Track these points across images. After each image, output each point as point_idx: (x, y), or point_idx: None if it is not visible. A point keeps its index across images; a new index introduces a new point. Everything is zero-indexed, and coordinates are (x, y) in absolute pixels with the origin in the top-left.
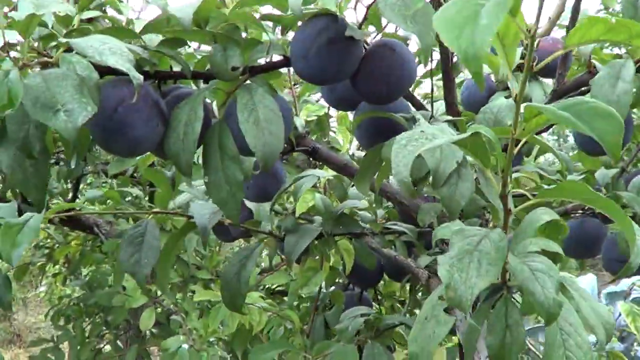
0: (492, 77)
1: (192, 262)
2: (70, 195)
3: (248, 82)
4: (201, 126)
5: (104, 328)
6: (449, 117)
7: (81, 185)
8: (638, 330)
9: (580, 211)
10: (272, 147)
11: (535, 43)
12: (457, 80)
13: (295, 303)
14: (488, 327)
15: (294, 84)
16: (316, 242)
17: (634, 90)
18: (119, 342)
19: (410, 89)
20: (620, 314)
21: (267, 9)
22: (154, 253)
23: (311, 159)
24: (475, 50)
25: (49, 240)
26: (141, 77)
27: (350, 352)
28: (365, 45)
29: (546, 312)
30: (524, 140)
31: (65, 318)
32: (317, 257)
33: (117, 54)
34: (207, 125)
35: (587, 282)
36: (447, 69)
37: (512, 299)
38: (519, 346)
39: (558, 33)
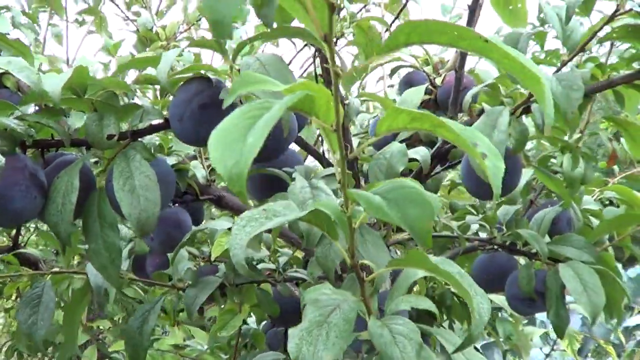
0: None
1: (134, 297)
2: (14, 231)
3: (127, 148)
4: (86, 193)
5: None
6: (330, 171)
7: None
8: (574, 353)
9: (490, 246)
10: (147, 213)
11: (441, 79)
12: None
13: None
14: None
15: None
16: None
17: (516, 135)
18: None
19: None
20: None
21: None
22: (49, 314)
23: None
24: (239, 170)
25: None
26: (2, 159)
27: None
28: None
29: None
30: (360, 218)
31: (18, 354)
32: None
33: None
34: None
35: None
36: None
37: None
38: None
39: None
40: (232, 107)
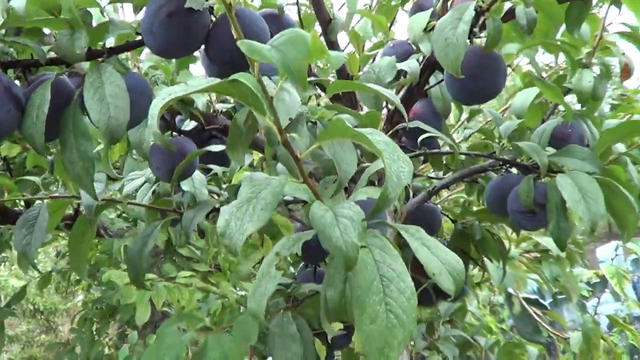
0: (409, 41)
1: (190, 256)
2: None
3: (103, 63)
4: (65, 108)
5: (126, 326)
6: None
7: None
8: (623, 291)
9: (490, 160)
10: (118, 121)
11: (450, 3)
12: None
13: None
14: (327, 280)
15: None
16: None
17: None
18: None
19: None
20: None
21: None
22: (41, 234)
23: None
24: None
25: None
26: None
27: (251, 321)
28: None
29: (344, 256)
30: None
31: (88, 321)
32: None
33: None
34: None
35: (611, 249)
36: (326, 31)
37: None
38: None
39: None
40: (201, 14)
